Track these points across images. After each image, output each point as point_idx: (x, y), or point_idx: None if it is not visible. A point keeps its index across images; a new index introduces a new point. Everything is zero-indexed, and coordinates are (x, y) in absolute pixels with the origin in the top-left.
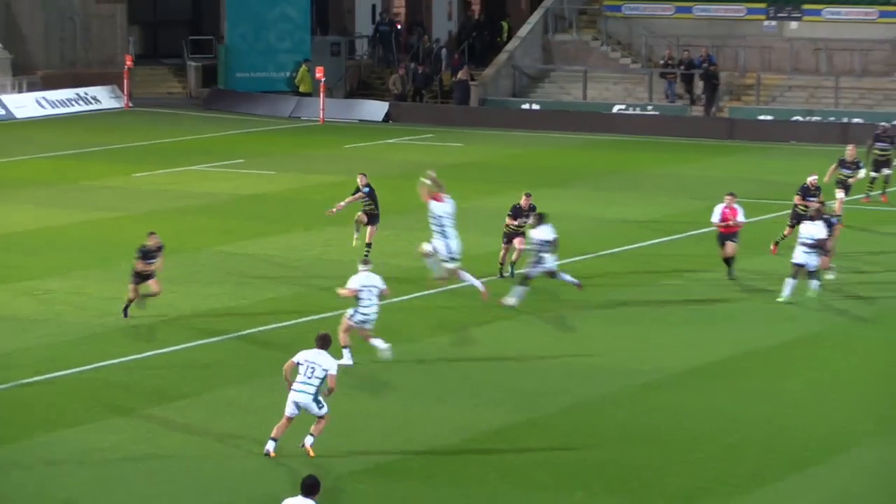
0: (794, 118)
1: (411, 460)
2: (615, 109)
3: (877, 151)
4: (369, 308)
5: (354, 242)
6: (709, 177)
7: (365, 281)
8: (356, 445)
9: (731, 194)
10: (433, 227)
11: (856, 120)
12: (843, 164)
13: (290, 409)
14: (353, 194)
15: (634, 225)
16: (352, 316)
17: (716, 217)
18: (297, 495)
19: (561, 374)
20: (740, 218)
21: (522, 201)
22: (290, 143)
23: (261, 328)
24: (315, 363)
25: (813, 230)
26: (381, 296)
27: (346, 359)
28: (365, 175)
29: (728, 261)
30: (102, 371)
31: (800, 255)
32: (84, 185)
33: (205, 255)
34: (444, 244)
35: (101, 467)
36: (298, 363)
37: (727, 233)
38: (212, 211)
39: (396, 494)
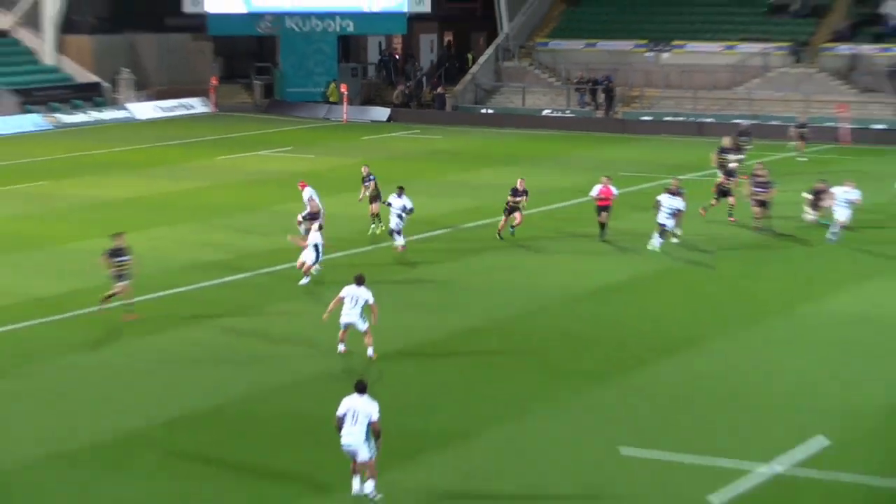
0: (666, 118)
1: (409, 355)
2: (544, 112)
3: (738, 142)
4: (321, 252)
5: (378, 230)
6: (607, 158)
7: (317, 239)
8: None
9: (607, 176)
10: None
11: (708, 120)
12: (723, 150)
13: (343, 326)
14: (364, 183)
15: (556, 191)
16: (313, 264)
17: (594, 192)
18: (352, 394)
19: (512, 292)
20: (614, 191)
21: (518, 183)
22: (324, 135)
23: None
24: (358, 295)
25: (673, 202)
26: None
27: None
28: (367, 166)
29: (602, 225)
30: (189, 293)
31: (662, 218)
32: (183, 165)
33: (264, 212)
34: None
35: (181, 365)
36: (343, 297)
37: (602, 205)
38: (269, 182)
39: (400, 375)
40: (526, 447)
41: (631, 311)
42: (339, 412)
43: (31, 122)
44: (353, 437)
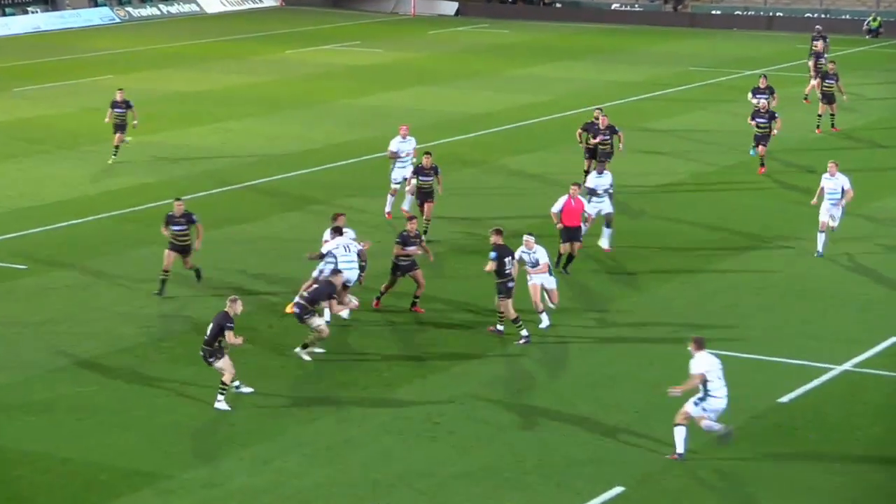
0: (736, 12)
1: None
2: (613, 6)
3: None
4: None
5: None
6: (675, 53)
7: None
8: None
9: (576, 184)
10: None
11: (778, 14)
12: (589, 126)
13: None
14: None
15: (626, 85)
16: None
17: (557, 207)
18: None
19: None
20: (586, 204)
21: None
22: (392, 30)
23: (369, 156)
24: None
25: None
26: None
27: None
28: (122, 90)
29: (570, 258)
30: (268, 182)
31: (592, 207)
32: (251, 59)
33: (334, 105)
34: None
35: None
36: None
37: (570, 227)
38: (339, 76)
39: None
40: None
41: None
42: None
43: (99, 15)
44: None
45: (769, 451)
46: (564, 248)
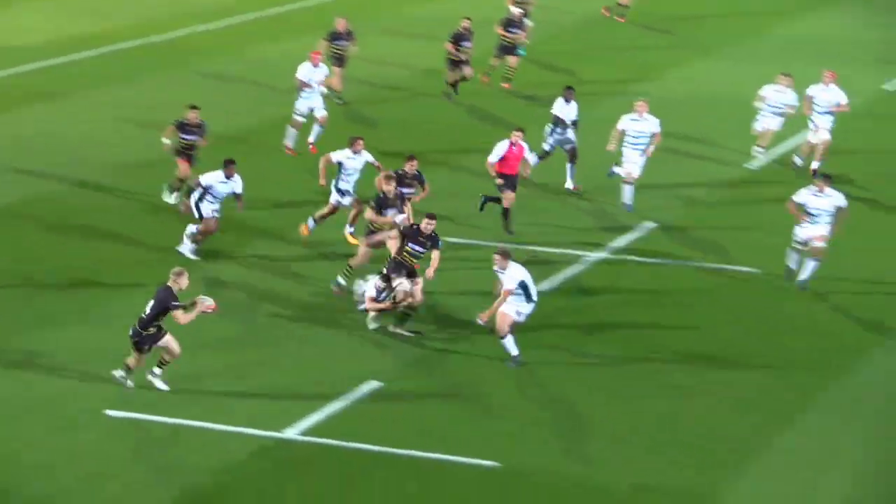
0: None
1: None
2: None
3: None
4: None
5: None
6: None
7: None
8: None
9: (519, 129)
10: None
11: None
12: (334, 36)
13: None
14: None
15: None
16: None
17: (495, 156)
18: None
19: None
20: (527, 156)
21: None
22: None
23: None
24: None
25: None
26: None
27: None
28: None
29: (505, 212)
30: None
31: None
32: None
33: None
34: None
35: None
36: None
37: (511, 175)
38: None
39: None
40: None
41: None
42: None
43: None
44: None
45: (526, 343)
46: (509, 198)
